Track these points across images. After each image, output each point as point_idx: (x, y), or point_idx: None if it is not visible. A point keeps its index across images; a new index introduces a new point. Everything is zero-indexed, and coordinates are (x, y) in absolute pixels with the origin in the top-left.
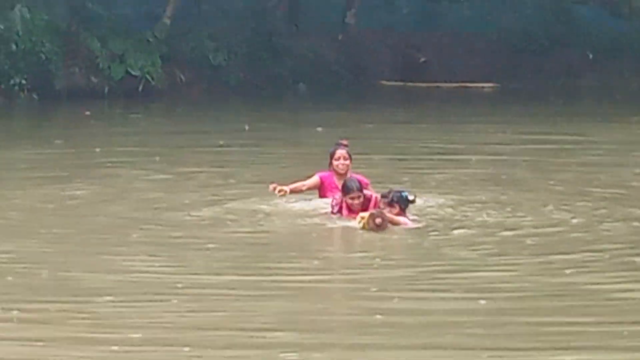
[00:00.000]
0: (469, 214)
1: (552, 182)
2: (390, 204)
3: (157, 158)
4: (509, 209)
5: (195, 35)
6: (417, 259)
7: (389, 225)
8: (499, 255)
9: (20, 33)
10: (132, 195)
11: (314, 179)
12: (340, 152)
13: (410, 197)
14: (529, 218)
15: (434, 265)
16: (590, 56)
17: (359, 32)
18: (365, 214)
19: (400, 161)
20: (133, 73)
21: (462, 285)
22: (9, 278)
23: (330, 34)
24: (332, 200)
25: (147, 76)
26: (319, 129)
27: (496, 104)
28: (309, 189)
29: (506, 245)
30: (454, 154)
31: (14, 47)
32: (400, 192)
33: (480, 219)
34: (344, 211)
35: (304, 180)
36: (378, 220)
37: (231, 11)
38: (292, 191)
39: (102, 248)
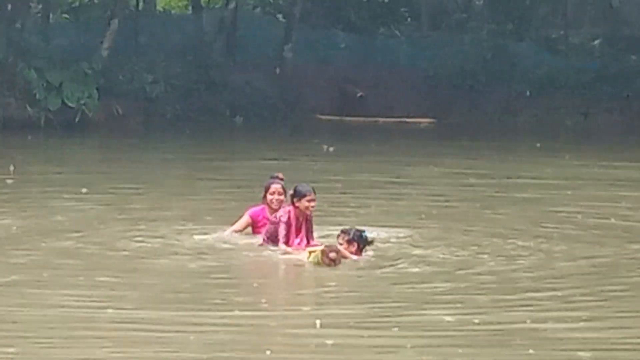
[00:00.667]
0: (414, 248)
1: (493, 217)
2: (350, 242)
3: (84, 190)
4: (454, 244)
5: (133, 67)
6: (365, 295)
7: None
8: (450, 294)
9: None
10: (56, 227)
11: (245, 219)
12: (275, 186)
13: (370, 238)
14: (474, 253)
15: (381, 302)
16: (528, 93)
17: (296, 66)
18: (316, 249)
19: (340, 194)
20: (70, 104)
21: (403, 324)
22: None
23: (268, 67)
24: (269, 230)
25: (84, 107)
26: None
27: (433, 139)
28: (244, 229)
29: (456, 282)
30: (393, 187)
31: None
32: (361, 231)
33: (427, 253)
34: (290, 241)
35: (236, 220)
36: (332, 255)
37: (168, 44)
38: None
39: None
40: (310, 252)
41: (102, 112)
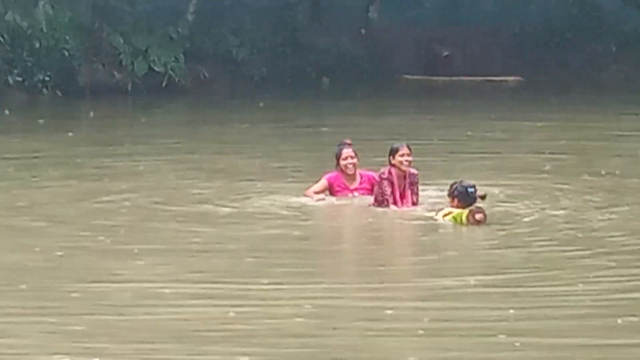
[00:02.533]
0: (527, 206)
1: (602, 172)
2: (451, 197)
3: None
4: (564, 203)
5: (218, 30)
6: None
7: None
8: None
9: (44, 30)
10: (160, 185)
11: (322, 183)
12: (347, 151)
13: (480, 193)
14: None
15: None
16: (614, 49)
17: (381, 27)
18: (455, 210)
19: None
20: (156, 69)
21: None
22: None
23: (353, 28)
24: (380, 187)
25: (171, 72)
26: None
27: (522, 97)
28: (320, 192)
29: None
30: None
31: (37, 44)
32: (465, 187)
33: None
34: (400, 202)
35: (313, 184)
36: (479, 216)
37: (254, 6)
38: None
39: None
40: (445, 214)
41: (188, 76)
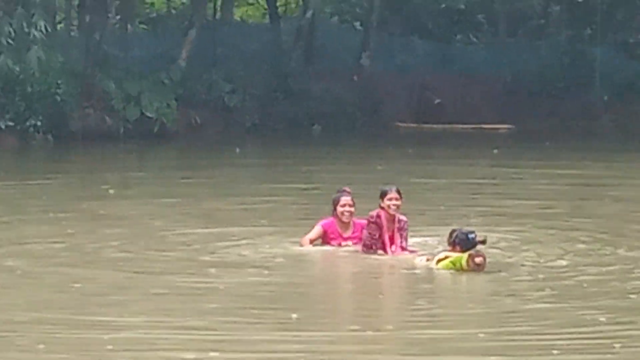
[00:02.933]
0: (519, 253)
1: (594, 218)
2: (453, 244)
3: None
4: (561, 249)
5: (211, 77)
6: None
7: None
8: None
9: (36, 74)
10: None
11: (317, 230)
12: (345, 199)
13: (479, 239)
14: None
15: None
16: (606, 98)
17: (374, 74)
18: (452, 254)
19: (428, 197)
20: (148, 114)
21: None
22: None
23: (346, 75)
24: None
25: (163, 118)
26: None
27: (514, 144)
28: (315, 240)
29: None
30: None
31: (29, 88)
32: (466, 233)
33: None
34: (390, 248)
35: (309, 231)
36: (479, 260)
37: (246, 53)
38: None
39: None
40: (439, 260)
41: (180, 122)
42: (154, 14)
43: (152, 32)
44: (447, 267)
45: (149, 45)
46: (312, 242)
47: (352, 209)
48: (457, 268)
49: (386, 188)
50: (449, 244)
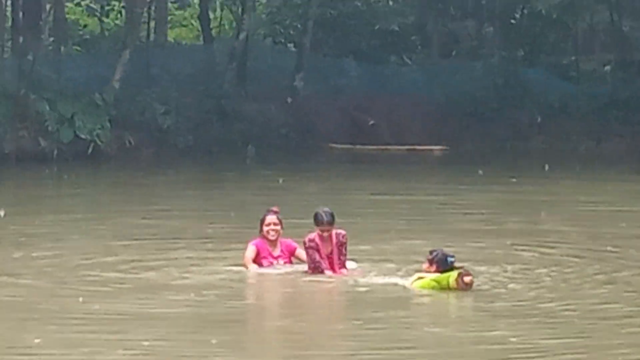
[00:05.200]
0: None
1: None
2: (431, 262)
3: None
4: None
5: (144, 98)
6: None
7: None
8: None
9: None
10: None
11: (252, 249)
12: (270, 217)
13: (454, 263)
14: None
15: None
16: (539, 119)
17: (307, 96)
18: (429, 275)
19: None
20: (82, 136)
21: None
22: None
23: (279, 97)
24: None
25: (96, 139)
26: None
27: (446, 167)
28: (254, 258)
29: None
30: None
31: None
32: (446, 255)
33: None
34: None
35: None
36: (468, 279)
37: (180, 75)
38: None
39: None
40: (419, 278)
41: (114, 144)
42: (88, 36)
43: (86, 54)
44: (427, 286)
45: (82, 66)
46: (253, 261)
47: (278, 227)
48: (441, 287)
49: (319, 218)
50: (429, 261)
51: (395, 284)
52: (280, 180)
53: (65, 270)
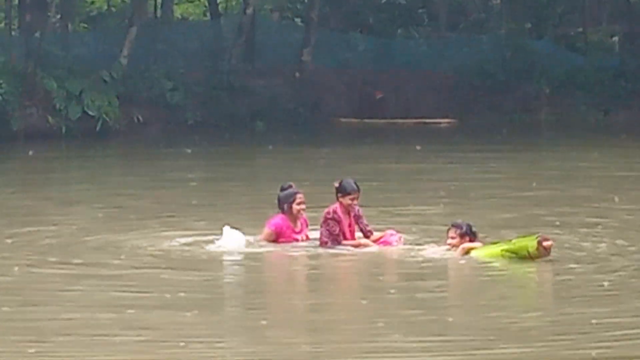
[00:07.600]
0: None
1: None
2: (463, 235)
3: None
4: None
5: (152, 74)
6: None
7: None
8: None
9: None
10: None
11: (268, 233)
12: (300, 195)
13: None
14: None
15: None
16: (547, 91)
17: (315, 70)
18: (474, 245)
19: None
20: (90, 113)
21: None
22: None
23: (287, 72)
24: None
25: (104, 116)
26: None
27: (455, 139)
28: (270, 242)
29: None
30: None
31: None
32: (469, 225)
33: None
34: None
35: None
36: (548, 243)
37: (187, 51)
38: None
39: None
40: (470, 249)
41: (122, 120)
42: (95, 13)
43: (93, 31)
44: (500, 256)
45: (89, 43)
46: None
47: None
48: (520, 256)
49: (348, 187)
50: (460, 236)
51: (442, 256)
52: (288, 155)
53: (73, 245)
